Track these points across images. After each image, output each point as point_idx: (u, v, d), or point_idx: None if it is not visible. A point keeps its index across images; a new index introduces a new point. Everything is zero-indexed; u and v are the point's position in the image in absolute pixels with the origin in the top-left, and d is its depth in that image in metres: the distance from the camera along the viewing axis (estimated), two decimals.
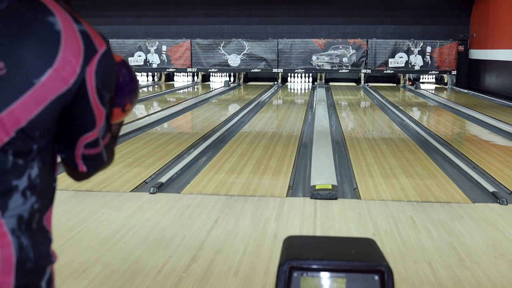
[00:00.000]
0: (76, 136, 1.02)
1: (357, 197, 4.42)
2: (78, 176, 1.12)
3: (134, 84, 1.20)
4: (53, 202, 1.07)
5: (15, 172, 0.95)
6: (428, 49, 15.99)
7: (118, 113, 1.19)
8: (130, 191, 4.44)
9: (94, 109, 1.01)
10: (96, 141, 1.05)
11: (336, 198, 4.28)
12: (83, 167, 1.07)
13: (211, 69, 16.68)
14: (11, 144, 0.94)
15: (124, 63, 1.17)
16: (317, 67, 16.40)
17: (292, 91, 15.27)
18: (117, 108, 1.17)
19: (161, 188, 4.53)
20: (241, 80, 16.94)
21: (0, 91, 0.92)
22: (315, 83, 16.40)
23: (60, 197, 3.91)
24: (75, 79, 0.96)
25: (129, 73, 1.18)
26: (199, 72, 16.95)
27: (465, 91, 14.81)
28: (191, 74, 17.14)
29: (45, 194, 1.02)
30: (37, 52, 0.93)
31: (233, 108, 10.98)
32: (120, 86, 1.15)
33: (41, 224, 1.01)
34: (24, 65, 0.93)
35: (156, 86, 16.20)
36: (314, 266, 1.20)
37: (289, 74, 16.74)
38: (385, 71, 16.28)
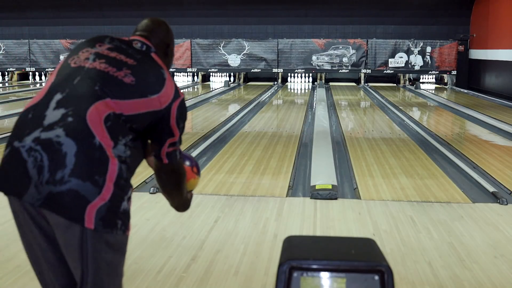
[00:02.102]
0: (165, 138, 1.77)
1: (357, 197, 4.42)
2: (162, 170, 1.85)
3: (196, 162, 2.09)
4: (132, 173, 1.73)
5: (121, 131, 1.62)
6: (428, 49, 15.99)
7: (189, 171, 1.99)
8: None
9: (172, 128, 1.76)
10: (175, 143, 1.80)
11: (336, 198, 4.28)
12: (166, 160, 1.80)
13: (211, 69, 16.68)
14: (117, 116, 1.63)
15: None
16: (317, 67, 16.39)
17: (292, 91, 15.26)
18: (188, 166, 1.99)
19: None
20: (241, 80, 16.94)
21: (125, 91, 1.67)
22: (315, 83, 16.39)
23: None
24: (166, 105, 1.73)
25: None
26: (199, 72, 16.95)
27: (465, 91, 14.81)
28: (191, 74, 17.15)
29: (132, 158, 1.67)
30: (153, 83, 1.73)
31: (233, 108, 10.98)
32: (186, 155, 2.03)
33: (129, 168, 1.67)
34: (146, 85, 1.71)
35: None
36: (314, 266, 1.20)
37: (289, 74, 16.74)
38: (385, 71, 16.28)
